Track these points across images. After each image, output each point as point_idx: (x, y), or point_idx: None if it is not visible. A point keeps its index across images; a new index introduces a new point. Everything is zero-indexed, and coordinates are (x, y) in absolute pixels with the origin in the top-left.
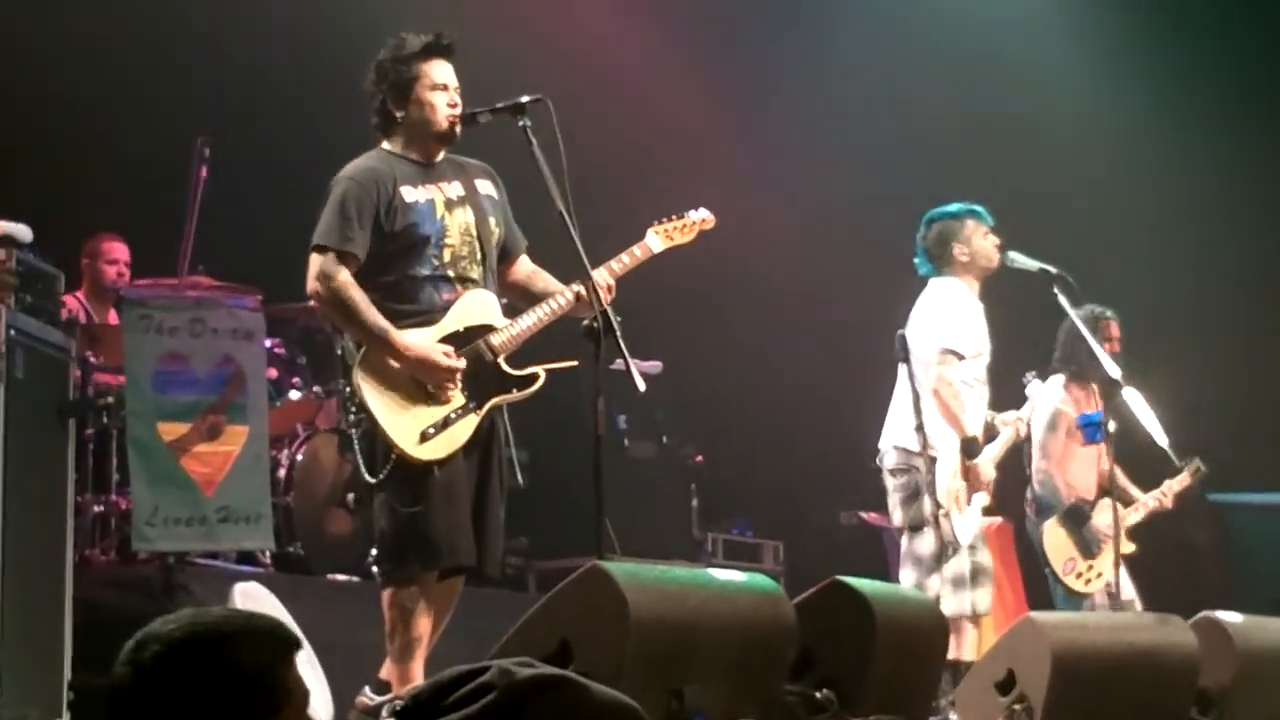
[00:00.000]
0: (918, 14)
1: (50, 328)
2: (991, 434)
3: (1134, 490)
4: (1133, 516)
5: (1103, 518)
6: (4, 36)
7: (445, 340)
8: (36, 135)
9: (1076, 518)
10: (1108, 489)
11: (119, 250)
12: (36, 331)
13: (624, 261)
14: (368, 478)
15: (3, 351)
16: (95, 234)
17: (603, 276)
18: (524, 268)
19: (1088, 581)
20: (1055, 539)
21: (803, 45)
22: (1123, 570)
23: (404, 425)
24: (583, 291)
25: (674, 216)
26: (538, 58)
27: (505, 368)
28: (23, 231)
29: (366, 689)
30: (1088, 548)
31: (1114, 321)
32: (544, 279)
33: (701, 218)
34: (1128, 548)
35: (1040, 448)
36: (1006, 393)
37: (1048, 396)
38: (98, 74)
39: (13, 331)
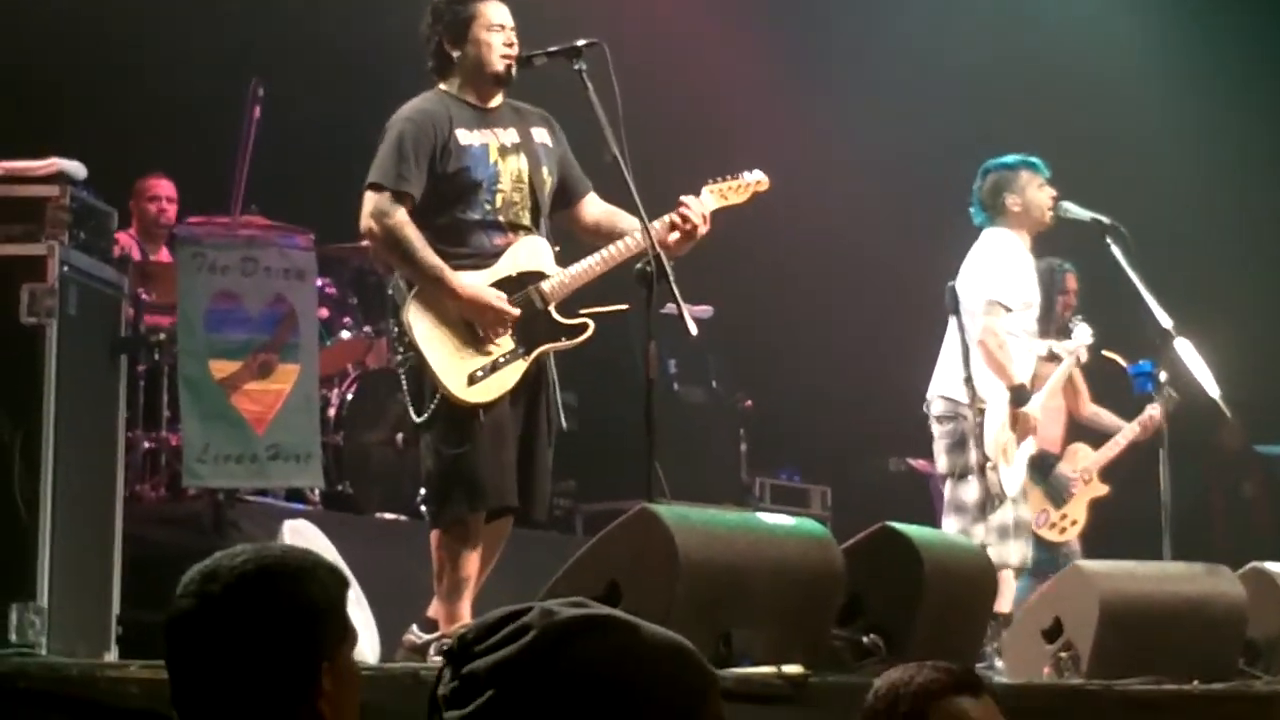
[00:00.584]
0: None
1: (103, 264)
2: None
3: (1117, 422)
4: (1109, 451)
5: (1069, 464)
6: None
7: (497, 285)
8: (92, 74)
9: (1041, 468)
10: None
11: (161, 187)
12: (89, 268)
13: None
14: (414, 417)
15: (56, 288)
16: (146, 174)
17: (664, 226)
18: (595, 207)
19: (1062, 530)
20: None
21: None
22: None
23: (453, 366)
24: (648, 235)
25: (729, 176)
26: (590, 6)
27: (555, 315)
28: (76, 169)
29: (414, 628)
30: (1057, 496)
31: (1071, 274)
32: (626, 219)
33: (756, 179)
34: (1099, 490)
35: None
36: None
37: None
38: (155, 14)
39: (66, 268)
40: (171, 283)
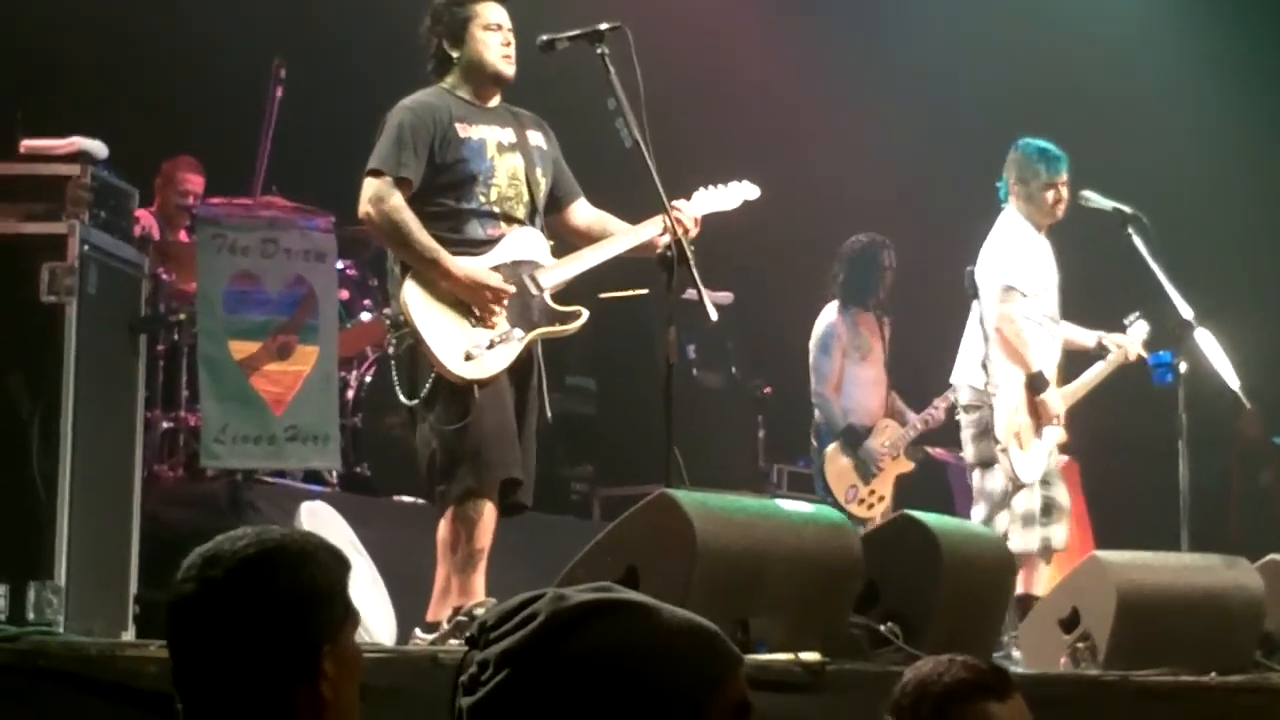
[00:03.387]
0: None
1: (123, 244)
2: (1098, 355)
3: (909, 414)
4: (909, 435)
5: (878, 439)
6: None
7: (494, 270)
8: (114, 53)
9: (851, 439)
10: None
11: (194, 183)
12: (109, 247)
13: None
14: (404, 400)
15: (76, 267)
16: (172, 156)
17: (659, 225)
18: (585, 212)
19: (870, 506)
20: (836, 466)
21: None
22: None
23: (448, 344)
24: (657, 227)
25: (720, 185)
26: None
27: (549, 302)
28: (97, 148)
29: (418, 631)
30: (865, 470)
31: (890, 251)
32: (616, 224)
33: (746, 189)
34: (905, 466)
35: (814, 371)
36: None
37: (822, 320)
38: None
39: (86, 246)
40: (191, 263)
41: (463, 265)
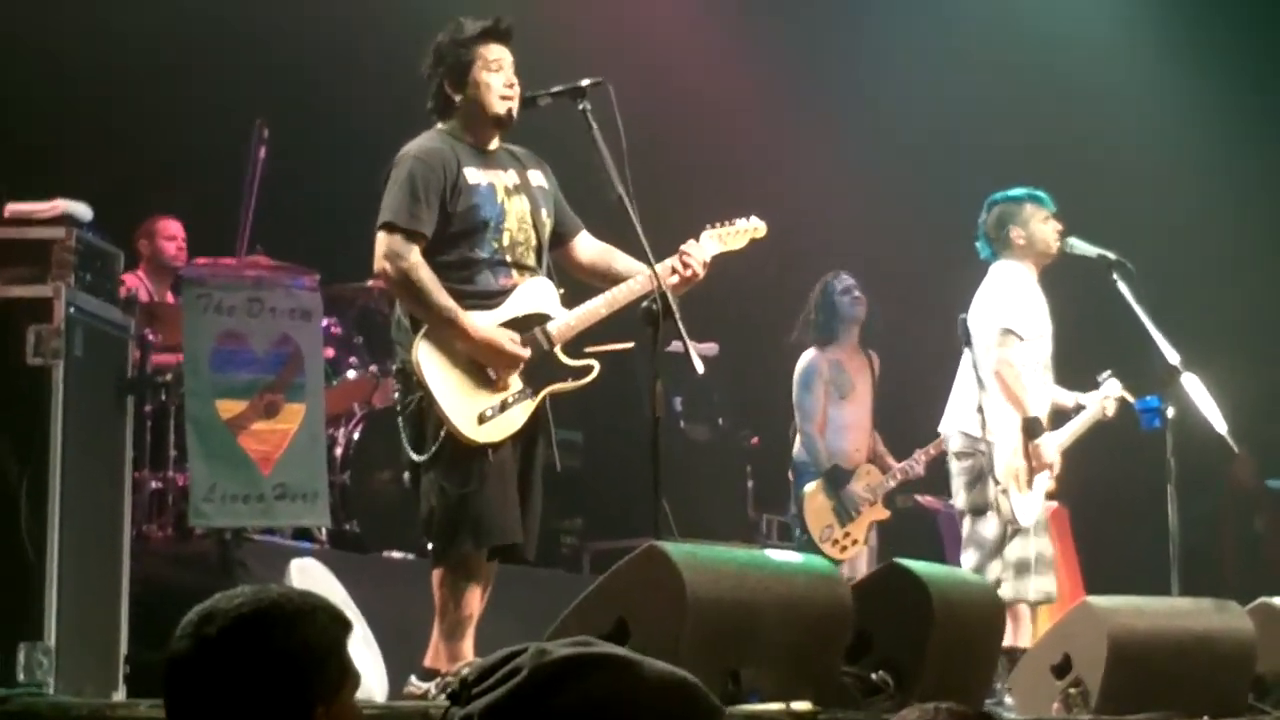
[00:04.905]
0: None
1: (109, 306)
2: (1069, 415)
3: (890, 459)
4: (889, 484)
5: (860, 483)
6: (66, 20)
7: (505, 326)
8: (96, 117)
9: (835, 481)
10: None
11: (175, 228)
12: (96, 309)
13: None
14: (413, 455)
15: (62, 329)
16: (151, 215)
17: (665, 269)
18: (590, 246)
19: (844, 549)
20: (815, 504)
21: (860, 28)
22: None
23: (462, 407)
24: (663, 269)
25: (727, 222)
26: (592, 42)
27: (561, 357)
28: (82, 210)
29: (413, 678)
30: (845, 513)
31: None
32: (622, 259)
33: (753, 226)
34: (882, 514)
35: (798, 409)
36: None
37: (802, 360)
38: (160, 55)
39: (72, 309)
40: (178, 323)
41: (480, 327)
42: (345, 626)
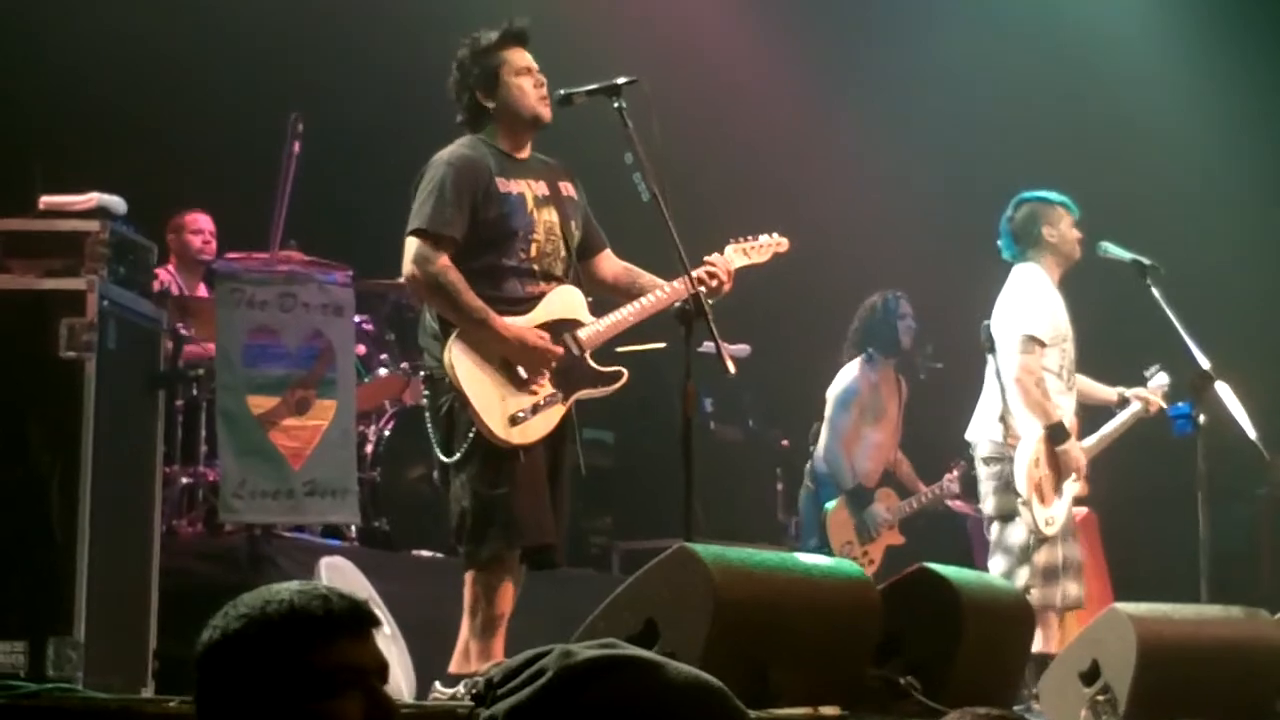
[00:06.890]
0: (1009, 10)
1: (142, 299)
2: (1119, 409)
3: (919, 483)
4: (907, 509)
5: (883, 505)
6: (99, 15)
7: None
8: (131, 110)
9: (859, 500)
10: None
11: (203, 221)
12: (128, 303)
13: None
14: (443, 457)
15: (95, 322)
16: (184, 209)
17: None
18: (612, 263)
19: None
20: (838, 519)
21: (891, 33)
22: None
23: (495, 408)
24: (684, 283)
25: (750, 236)
26: (626, 42)
27: (591, 362)
28: (116, 204)
29: (437, 684)
30: (866, 532)
31: (904, 300)
32: (645, 276)
33: (776, 241)
34: (897, 539)
35: (830, 424)
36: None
37: (844, 376)
38: (195, 49)
39: (105, 302)
40: (210, 318)
41: (511, 326)
42: (370, 621)
